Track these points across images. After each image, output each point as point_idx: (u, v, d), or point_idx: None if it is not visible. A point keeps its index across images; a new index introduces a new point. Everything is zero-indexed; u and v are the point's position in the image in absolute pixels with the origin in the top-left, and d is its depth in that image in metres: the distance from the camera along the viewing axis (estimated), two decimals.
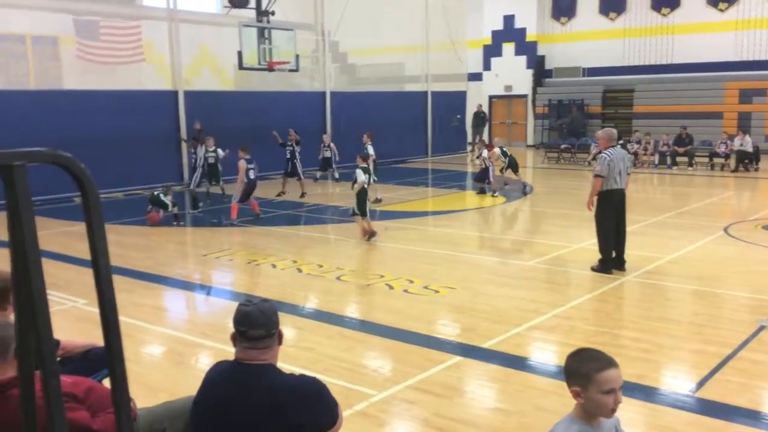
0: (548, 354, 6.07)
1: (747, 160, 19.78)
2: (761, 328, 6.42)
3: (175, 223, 12.37)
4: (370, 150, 15.02)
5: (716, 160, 20.28)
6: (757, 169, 19.78)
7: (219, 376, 2.89)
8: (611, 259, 8.58)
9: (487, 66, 29.53)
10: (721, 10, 24.38)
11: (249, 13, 18.11)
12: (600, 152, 8.75)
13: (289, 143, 15.91)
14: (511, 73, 28.72)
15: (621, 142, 11.94)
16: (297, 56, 18.26)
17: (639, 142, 21.40)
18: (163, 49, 18.93)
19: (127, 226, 12.31)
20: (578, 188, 15.99)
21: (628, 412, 4.50)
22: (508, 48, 28.81)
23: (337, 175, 18.46)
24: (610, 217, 8.52)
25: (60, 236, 11.09)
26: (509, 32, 28.64)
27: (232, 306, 2.96)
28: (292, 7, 22.21)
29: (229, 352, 2.95)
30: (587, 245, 9.65)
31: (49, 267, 1.27)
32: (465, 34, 27.14)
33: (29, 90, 18.30)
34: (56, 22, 19.32)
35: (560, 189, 17.36)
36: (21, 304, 1.35)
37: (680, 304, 7.46)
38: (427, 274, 8.64)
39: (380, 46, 24.92)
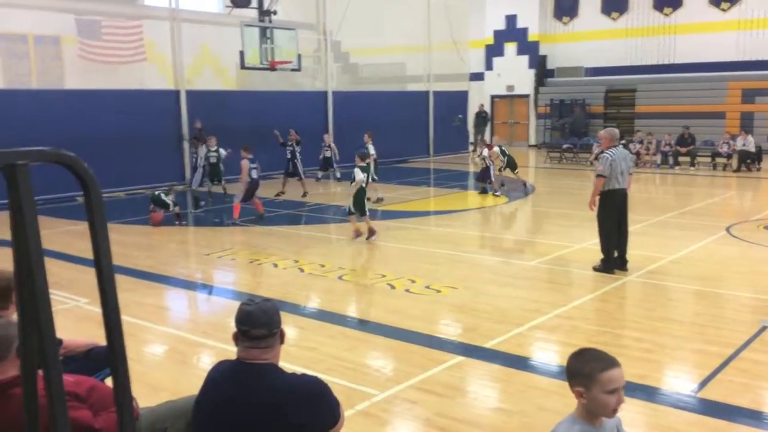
0: (550, 354, 6.07)
1: (749, 160, 19.76)
2: (763, 329, 6.41)
3: (177, 222, 12.39)
4: (371, 149, 15.03)
5: (718, 160, 20.26)
6: (759, 169, 19.75)
7: (221, 376, 2.89)
8: (613, 259, 8.57)
9: (489, 66, 29.51)
10: (724, 10, 24.34)
11: (251, 13, 18.12)
12: (602, 152, 8.74)
13: (290, 143, 15.91)
14: (513, 72, 28.70)
15: (623, 141, 11.92)
16: (299, 56, 18.26)
17: (641, 142, 21.38)
18: (165, 48, 18.94)
19: (129, 226, 12.32)
20: (580, 188, 15.98)
21: (630, 412, 4.50)
22: (510, 48, 28.79)
23: (338, 175, 18.47)
24: (612, 217, 8.51)
25: (62, 235, 11.11)
26: (511, 32, 28.62)
27: (234, 305, 2.96)
28: (294, 6, 22.22)
29: (231, 351, 2.95)
30: (589, 245, 9.65)
31: (51, 266, 1.27)
32: (467, 33, 27.15)
33: (31, 89, 18.33)
34: (58, 22, 19.34)
35: (562, 189, 17.35)
36: (24, 303, 1.35)
37: (682, 304, 7.45)
38: (428, 274, 8.64)
39: (382, 46, 24.91)
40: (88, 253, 1.43)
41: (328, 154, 17.77)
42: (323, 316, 7.22)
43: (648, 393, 5.05)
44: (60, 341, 3.73)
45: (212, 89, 20.77)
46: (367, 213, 10.81)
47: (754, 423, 4.63)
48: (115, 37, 20.19)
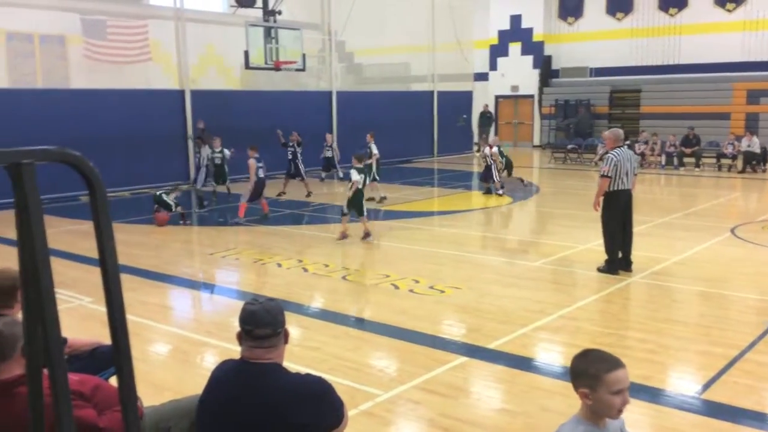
0: (554, 355, 6.06)
1: (754, 161, 19.70)
2: None
3: (181, 222, 12.41)
4: (374, 149, 15.02)
5: (723, 161, 20.20)
6: (764, 170, 19.70)
7: (225, 375, 2.89)
8: (618, 260, 8.55)
9: (493, 66, 29.48)
10: (729, 11, 24.28)
11: (256, 13, 18.14)
12: (607, 153, 8.73)
13: (291, 144, 15.91)
14: (518, 73, 28.67)
15: (628, 142, 11.90)
16: (303, 56, 18.28)
17: (646, 143, 21.34)
18: (169, 48, 18.98)
19: (133, 225, 12.34)
20: (585, 189, 15.95)
21: (634, 413, 4.49)
22: (515, 48, 28.76)
23: (341, 175, 18.46)
24: (617, 218, 8.49)
25: (66, 234, 11.13)
26: (516, 32, 28.59)
27: (238, 305, 2.96)
28: (298, 6, 22.23)
29: (234, 350, 2.96)
30: (593, 246, 9.63)
31: (55, 265, 1.27)
32: (471, 33, 27.11)
33: (37, 89, 18.39)
34: (64, 21, 19.41)
35: (566, 189, 17.32)
36: (29, 302, 1.35)
37: (687, 306, 7.44)
38: (432, 274, 8.63)
39: (386, 46, 24.93)
40: (92, 252, 1.43)
41: (329, 154, 17.76)
42: (327, 316, 7.23)
43: (652, 394, 5.04)
44: (65, 340, 3.74)
45: (217, 89, 20.81)
46: (365, 213, 10.81)
47: (758, 425, 4.62)
48: (121, 36, 20.25)
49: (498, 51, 29.23)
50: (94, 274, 1.35)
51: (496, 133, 27.50)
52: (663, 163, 20.72)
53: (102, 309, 1.39)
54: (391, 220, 12.67)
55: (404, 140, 22.79)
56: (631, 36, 26.27)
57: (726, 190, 16.76)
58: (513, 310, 7.19)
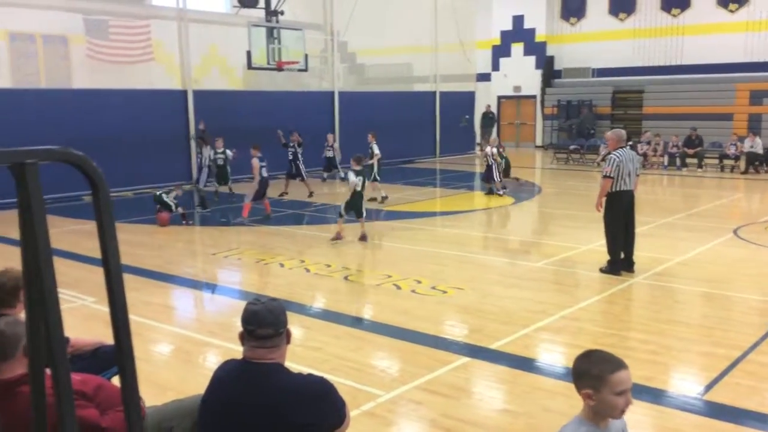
0: (556, 355, 6.06)
1: (757, 162, 19.67)
2: None
3: (183, 222, 12.41)
4: (376, 149, 15.01)
5: (726, 161, 20.18)
6: (767, 171, 19.66)
7: (227, 375, 2.89)
8: (620, 261, 8.55)
9: (495, 66, 29.47)
10: (732, 11, 24.24)
11: (258, 13, 18.15)
12: (609, 153, 8.72)
13: (292, 144, 15.91)
14: (520, 73, 28.64)
15: (630, 143, 11.88)
16: (306, 56, 18.28)
17: (648, 143, 21.31)
18: (172, 48, 19.00)
19: (136, 225, 12.36)
20: (587, 189, 15.94)
21: (636, 414, 4.49)
22: (517, 48, 28.75)
23: (342, 175, 18.44)
24: (619, 219, 8.49)
25: (69, 234, 11.15)
26: (518, 32, 28.57)
27: (240, 305, 2.97)
28: (301, 7, 22.25)
29: (237, 350, 2.96)
30: (596, 246, 9.62)
31: (58, 265, 1.27)
32: (474, 34, 27.09)
33: (39, 89, 18.39)
34: (66, 22, 19.41)
35: (569, 190, 17.31)
36: (32, 301, 1.36)
37: (689, 306, 7.43)
38: (434, 275, 8.63)
39: (389, 47, 24.90)
40: (95, 252, 1.44)
41: (330, 154, 17.75)
42: (329, 316, 7.23)
43: (654, 395, 5.04)
44: (67, 340, 3.75)
45: (219, 89, 20.82)
46: (364, 215, 10.80)
47: (761, 426, 4.61)
48: (123, 36, 20.25)
49: (500, 51, 29.21)
50: (97, 273, 1.36)
51: (498, 134, 27.48)
52: (665, 163, 20.70)
53: (105, 309, 1.39)
54: (393, 221, 12.67)
55: (406, 141, 22.79)
56: (633, 36, 26.24)
57: (729, 190, 16.74)
58: (515, 310, 7.19)
